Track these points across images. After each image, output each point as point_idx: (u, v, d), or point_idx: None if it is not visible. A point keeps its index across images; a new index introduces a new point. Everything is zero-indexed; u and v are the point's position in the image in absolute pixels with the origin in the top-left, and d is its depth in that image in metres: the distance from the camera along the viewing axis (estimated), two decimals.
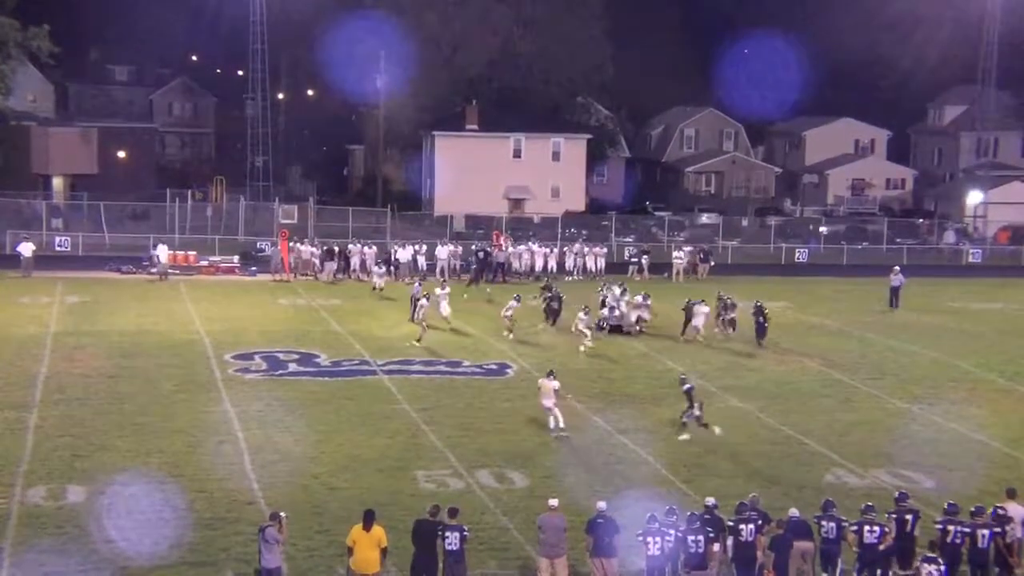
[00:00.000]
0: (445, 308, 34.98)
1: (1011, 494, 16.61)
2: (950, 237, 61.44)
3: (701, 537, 15.47)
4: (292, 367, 29.86)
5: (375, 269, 42.85)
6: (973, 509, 16.11)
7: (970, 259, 56.56)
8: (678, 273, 49.07)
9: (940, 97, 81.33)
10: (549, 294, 36.33)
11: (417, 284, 36.95)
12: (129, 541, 17.38)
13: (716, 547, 15.55)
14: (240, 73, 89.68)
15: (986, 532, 15.58)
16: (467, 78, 67.65)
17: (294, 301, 40.98)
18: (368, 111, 77.88)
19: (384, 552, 15.15)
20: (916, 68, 75.84)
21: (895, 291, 40.96)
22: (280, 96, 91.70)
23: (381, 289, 41.27)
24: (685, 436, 23.53)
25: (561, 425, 23.71)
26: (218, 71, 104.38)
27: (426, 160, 71.07)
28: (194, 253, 48.38)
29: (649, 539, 15.40)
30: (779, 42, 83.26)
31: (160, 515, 18.44)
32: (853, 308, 41.52)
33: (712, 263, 50.53)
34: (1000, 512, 15.94)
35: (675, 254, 50.16)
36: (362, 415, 25.18)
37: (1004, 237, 61.65)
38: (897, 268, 42.46)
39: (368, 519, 15.26)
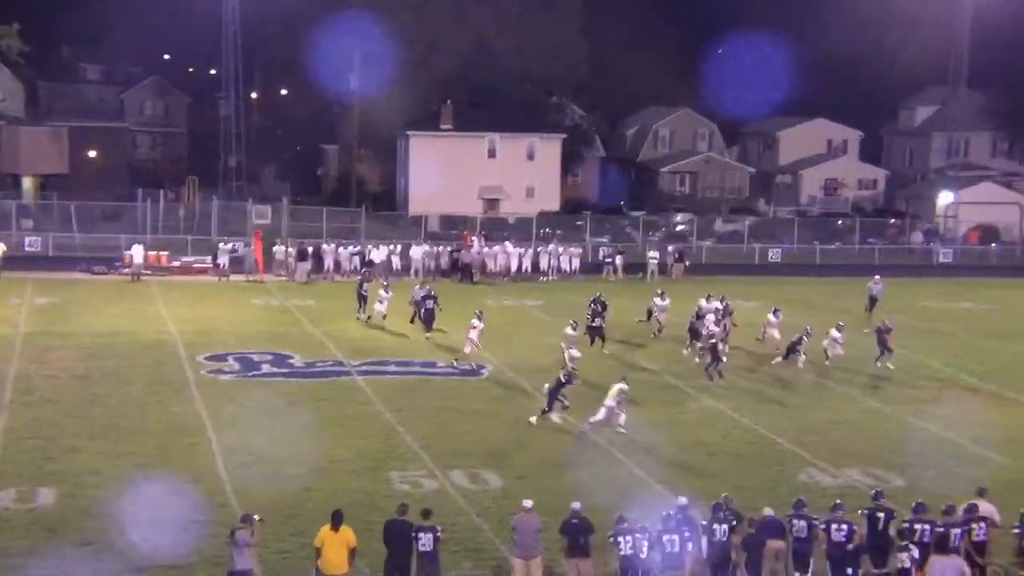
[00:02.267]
0: (380, 309, 34.78)
1: (981, 493, 16.72)
2: (918, 237, 61.91)
3: (676, 537, 15.47)
4: (265, 368, 29.70)
5: (381, 294, 35.86)
6: (944, 508, 16.20)
7: (941, 259, 57.00)
8: (652, 273, 49.24)
9: (911, 98, 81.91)
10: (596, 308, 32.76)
11: (417, 287, 36.48)
12: (100, 544, 17.23)
13: (691, 547, 15.58)
14: (213, 72, 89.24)
15: (957, 531, 15.66)
16: (442, 77, 67.50)
17: (268, 302, 40.76)
18: (343, 110, 77.62)
19: (353, 553, 15.07)
20: (888, 69, 76.33)
21: (873, 300, 39.12)
22: (253, 95, 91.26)
23: (384, 317, 35.32)
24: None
25: (621, 423, 24.01)
26: (191, 70, 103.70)
27: (401, 160, 70.89)
28: (167, 253, 48.06)
29: (620, 539, 15.40)
30: (754, 43, 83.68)
31: (131, 517, 18.27)
32: (826, 308, 41.71)
33: (687, 263, 50.70)
34: (970, 510, 16.02)
35: (650, 254, 50.34)
36: (336, 416, 25.08)
37: (975, 237, 62.19)
38: (877, 276, 40.32)
39: (336, 520, 15.17)
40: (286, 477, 20.73)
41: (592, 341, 31.78)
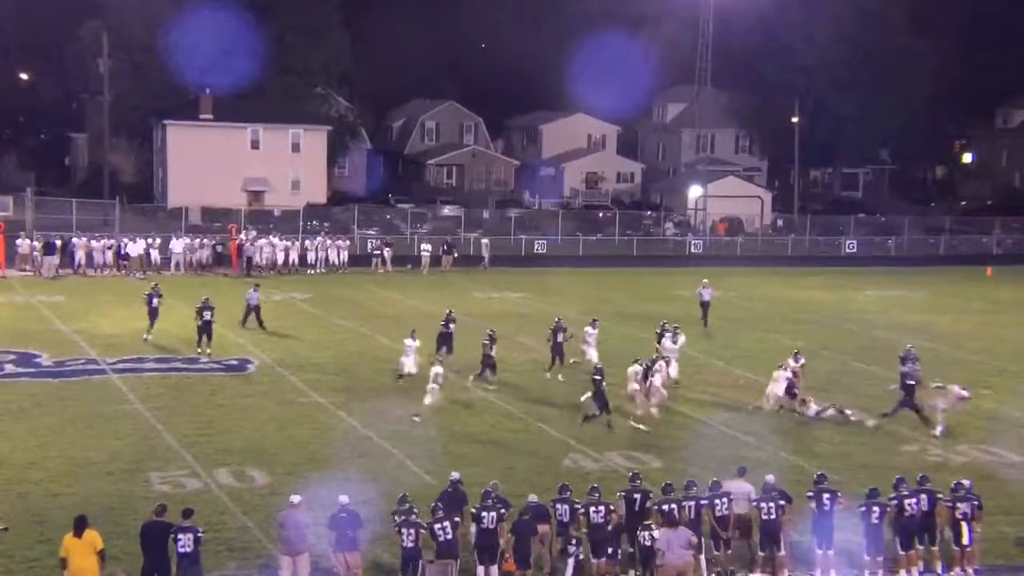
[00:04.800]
0: (408, 362, 27.59)
1: (741, 472, 17.60)
2: (669, 229, 64.99)
3: (448, 524, 15.54)
4: (8, 368, 27.87)
5: (408, 342, 27.57)
6: (685, 483, 16.98)
7: (692, 250, 60.03)
8: (425, 265, 49.40)
9: (663, 95, 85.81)
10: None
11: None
12: None
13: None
14: None
15: (690, 504, 16.40)
16: (200, 66, 65.06)
17: (11, 298, 38.17)
18: (92, 97, 73.63)
19: (102, 556, 14.29)
20: (642, 66, 79.45)
21: (705, 306, 37.07)
22: None
23: (410, 375, 27.28)
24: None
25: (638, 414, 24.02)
26: None
27: (158, 150, 67.98)
28: None
29: (403, 531, 15.34)
30: (515, 38, 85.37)
31: None
32: (589, 298, 43.11)
33: (456, 255, 51.16)
34: (714, 487, 16.89)
35: (423, 246, 50.44)
36: (89, 417, 23.80)
37: (722, 228, 65.81)
38: (706, 281, 38.21)
39: (79, 525, 14.34)
40: (31, 483, 19.49)
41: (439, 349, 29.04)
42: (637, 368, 25.48)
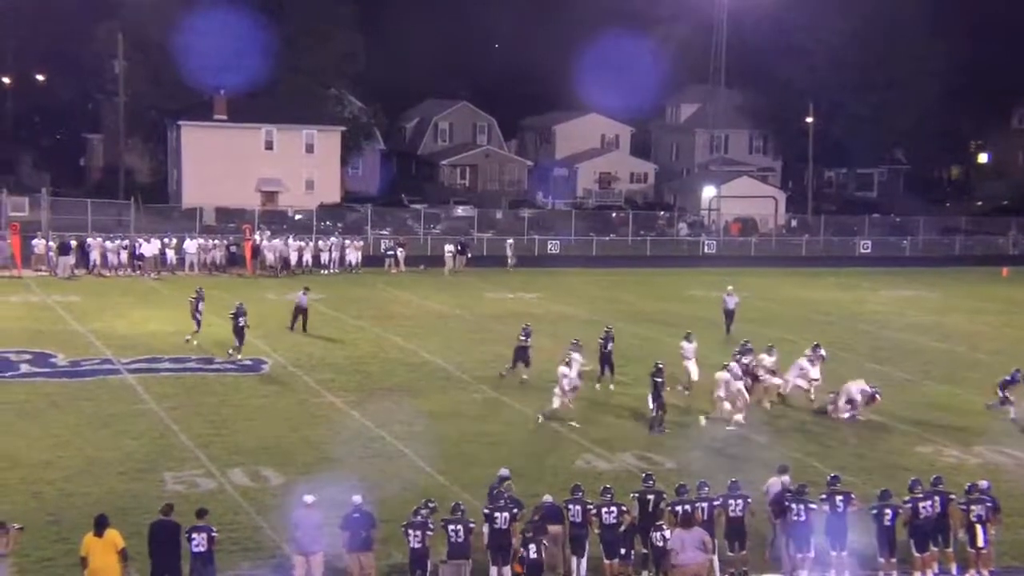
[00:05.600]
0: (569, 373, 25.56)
1: (782, 470, 17.58)
2: (683, 230, 64.90)
3: (460, 527, 15.55)
4: (24, 368, 27.98)
5: (574, 355, 26.30)
6: (697, 484, 16.91)
7: (706, 250, 59.91)
8: (449, 266, 49.03)
9: (676, 95, 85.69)
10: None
11: (301, 294, 34.08)
12: None
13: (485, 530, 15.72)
14: None
15: (703, 506, 16.39)
16: (214, 67, 65.27)
17: (26, 298, 38.37)
18: (107, 98, 73.93)
19: (123, 554, 14.36)
20: (655, 66, 79.36)
21: (729, 314, 35.30)
22: (6, 80, 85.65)
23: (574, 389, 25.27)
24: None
25: (737, 419, 23.98)
26: None
27: (172, 151, 68.20)
28: None
29: (411, 532, 15.36)
30: (529, 36, 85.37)
31: None
32: (603, 299, 43.09)
33: (469, 255, 51.15)
34: (732, 487, 16.89)
35: (446, 247, 50.18)
36: (104, 416, 23.90)
37: (736, 229, 65.66)
38: (731, 288, 36.45)
39: (100, 524, 14.41)
40: (46, 482, 19.59)
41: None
42: (726, 375, 24.84)
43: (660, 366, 24.31)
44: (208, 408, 24.93)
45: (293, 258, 48.21)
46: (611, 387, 27.62)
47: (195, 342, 30.93)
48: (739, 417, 24.48)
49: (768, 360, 26.62)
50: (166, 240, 47.44)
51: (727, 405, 24.61)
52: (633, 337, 33.58)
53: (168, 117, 67.42)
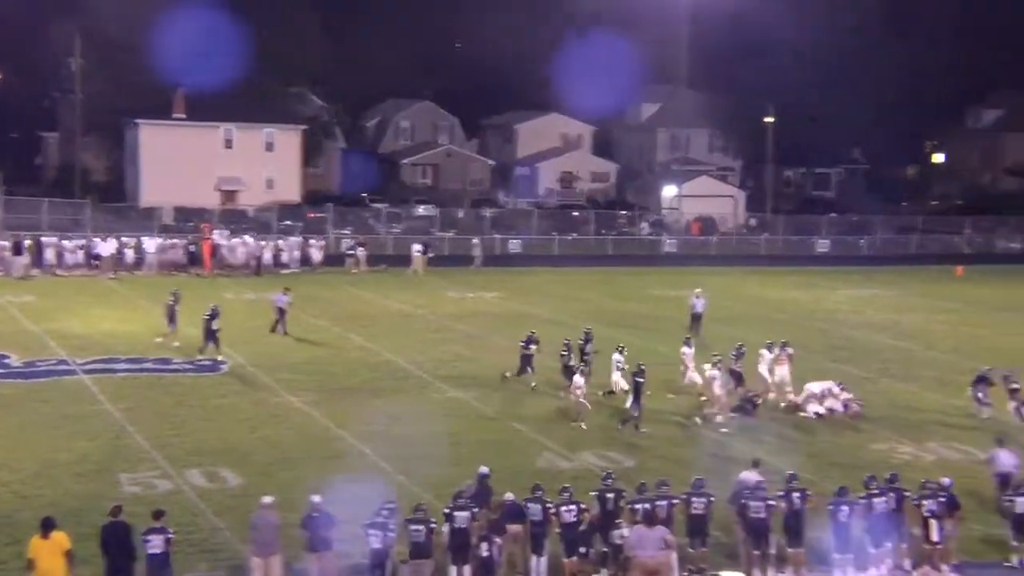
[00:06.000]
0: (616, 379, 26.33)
1: (755, 464, 17.99)
2: (645, 228, 65.21)
3: (422, 527, 15.52)
4: None
5: (616, 357, 26.43)
6: (656, 483, 17.06)
7: (667, 249, 60.20)
8: (415, 266, 48.80)
9: (638, 95, 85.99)
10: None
11: (281, 294, 33.68)
12: None
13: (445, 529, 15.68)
14: None
15: (662, 504, 16.47)
16: (172, 66, 64.58)
17: None
18: (63, 96, 72.97)
19: (70, 556, 14.19)
20: (617, 66, 79.55)
21: (697, 317, 34.66)
22: None
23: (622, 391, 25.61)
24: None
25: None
26: None
27: (130, 149, 67.49)
28: None
29: (372, 532, 15.31)
30: (492, 36, 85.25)
31: None
32: (566, 297, 43.16)
33: (431, 254, 51.03)
34: (697, 483, 17.01)
35: (414, 247, 49.92)
36: (59, 417, 23.63)
37: (696, 228, 66.06)
38: (698, 290, 35.86)
39: (46, 526, 14.25)
40: (0, 484, 19.29)
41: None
42: (716, 373, 25.03)
43: (643, 367, 24.40)
44: (165, 409, 24.71)
45: (253, 258, 47.84)
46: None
47: (176, 343, 30.65)
48: (721, 418, 24.70)
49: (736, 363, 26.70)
50: (124, 239, 46.95)
51: (721, 400, 24.79)
52: (600, 338, 33.57)
53: (126, 116, 66.71)
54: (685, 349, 27.58)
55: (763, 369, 26.71)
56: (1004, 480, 19.44)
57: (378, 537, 15.26)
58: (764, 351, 26.93)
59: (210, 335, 29.58)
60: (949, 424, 25.36)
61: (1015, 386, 25.36)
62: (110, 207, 58.61)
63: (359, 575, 15.91)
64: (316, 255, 49.03)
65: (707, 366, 25.70)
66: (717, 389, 24.99)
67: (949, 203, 79.12)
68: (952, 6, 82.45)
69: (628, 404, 24.24)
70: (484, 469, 17.30)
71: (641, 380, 24.07)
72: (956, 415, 26.02)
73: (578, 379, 24.86)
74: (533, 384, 27.35)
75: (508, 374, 27.94)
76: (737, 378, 26.21)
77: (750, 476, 17.51)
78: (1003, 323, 39.85)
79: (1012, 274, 54.21)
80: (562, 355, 27.61)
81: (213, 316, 29.79)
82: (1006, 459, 19.75)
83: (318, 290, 42.90)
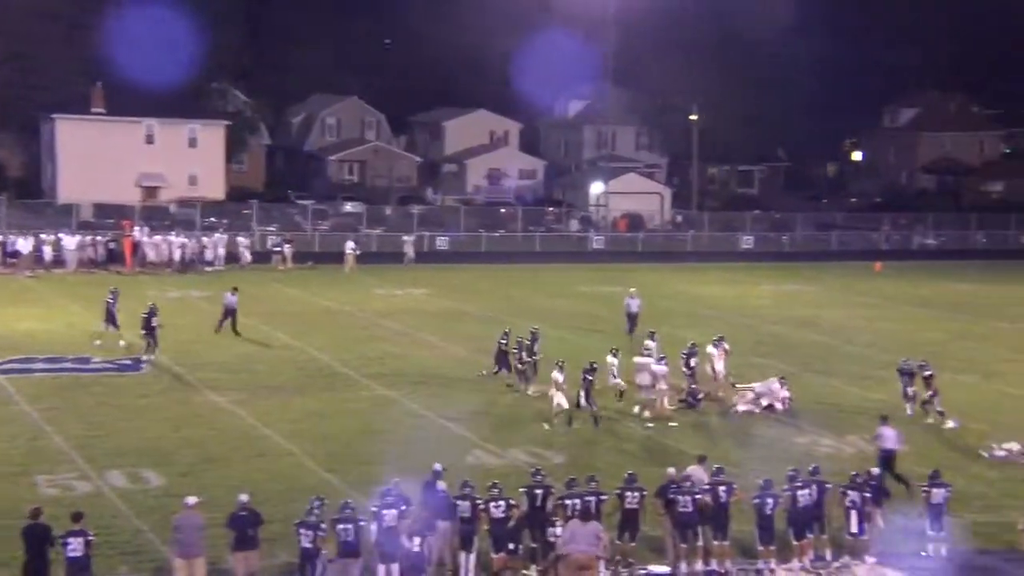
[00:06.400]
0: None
1: (701, 460, 18.15)
2: (574, 225, 65.55)
3: (351, 526, 15.39)
4: None
5: (610, 359, 26.28)
6: (587, 478, 17.15)
7: (594, 245, 60.56)
8: (349, 264, 48.33)
9: (565, 92, 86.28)
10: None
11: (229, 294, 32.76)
12: None
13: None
14: None
15: (592, 499, 16.55)
16: (91, 57, 63.20)
17: None
18: None
19: None
20: (544, 63, 79.83)
21: (632, 318, 34.36)
22: None
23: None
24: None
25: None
26: None
27: (46, 145, 65.89)
28: None
29: (303, 531, 15.15)
30: (420, 33, 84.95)
31: None
32: (492, 294, 43.16)
33: (358, 252, 50.63)
34: (629, 480, 17.13)
35: (348, 244, 49.41)
36: None
37: (623, 225, 66.56)
38: (633, 290, 35.66)
39: None
40: None
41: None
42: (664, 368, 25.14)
43: (594, 365, 24.51)
44: (85, 409, 24.19)
45: (176, 254, 47.06)
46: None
47: (122, 342, 30.00)
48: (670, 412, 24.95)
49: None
50: (43, 236, 45.85)
51: (664, 399, 25.05)
52: (526, 333, 33.61)
53: (42, 110, 65.11)
54: (611, 359, 26.35)
55: (707, 365, 27.05)
56: (888, 455, 20.25)
57: (308, 536, 15.12)
58: (710, 348, 27.26)
59: (150, 333, 29.01)
60: (868, 417, 25.86)
61: (929, 373, 25.90)
62: (27, 204, 57.20)
63: (287, 575, 15.74)
64: (246, 256, 48.23)
65: (652, 361, 25.70)
66: (663, 385, 25.16)
67: (868, 200, 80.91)
68: (869, 6, 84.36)
69: (581, 404, 24.25)
70: (438, 466, 17.11)
71: (591, 378, 24.23)
72: (874, 409, 26.54)
73: (557, 375, 24.15)
74: (509, 383, 27.19)
75: (484, 372, 27.87)
76: (690, 376, 26.39)
77: (697, 471, 17.62)
78: (920, 318, 40.82)
79: (928, 270, 55.56)
80: (500, 342, 27.63)
81: (152, 314, 29.21)
82: (890, 435, 20.57)
83: (244, 287, 42.12)
